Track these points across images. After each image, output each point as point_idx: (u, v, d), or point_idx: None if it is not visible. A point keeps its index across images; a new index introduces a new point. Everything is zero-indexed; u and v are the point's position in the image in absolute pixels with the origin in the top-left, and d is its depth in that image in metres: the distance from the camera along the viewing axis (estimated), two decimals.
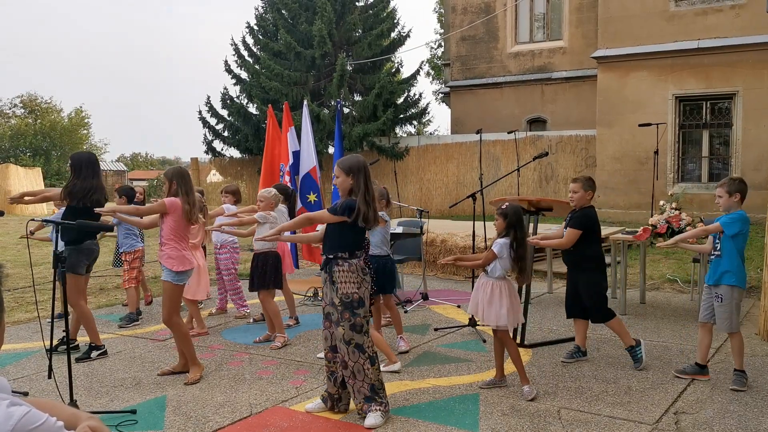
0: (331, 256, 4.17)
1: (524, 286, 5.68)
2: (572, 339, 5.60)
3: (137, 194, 7.69)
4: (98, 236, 6.41)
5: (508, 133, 13.59)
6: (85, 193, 5.52)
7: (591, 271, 5.25)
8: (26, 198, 5.88)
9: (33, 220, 5.06)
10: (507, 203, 4.73)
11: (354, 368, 4.13)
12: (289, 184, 8.86)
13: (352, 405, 4.35)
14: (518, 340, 5.60)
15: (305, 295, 8.10)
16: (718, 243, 4.76)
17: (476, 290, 4.75)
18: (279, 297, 7.49)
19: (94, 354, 5.66)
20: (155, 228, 5.39)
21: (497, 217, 4.68)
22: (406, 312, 7.21)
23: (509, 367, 5.00)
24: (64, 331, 5.34)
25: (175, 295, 5.06)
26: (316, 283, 8.44)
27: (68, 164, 5.79)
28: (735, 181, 4.78)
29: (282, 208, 6.46)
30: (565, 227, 5.31)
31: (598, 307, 5.24)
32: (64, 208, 5.81)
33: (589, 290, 5.23)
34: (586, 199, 5.26)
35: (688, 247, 5.48)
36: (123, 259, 7.23)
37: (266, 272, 6.00)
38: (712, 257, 4.81)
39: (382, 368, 5.01)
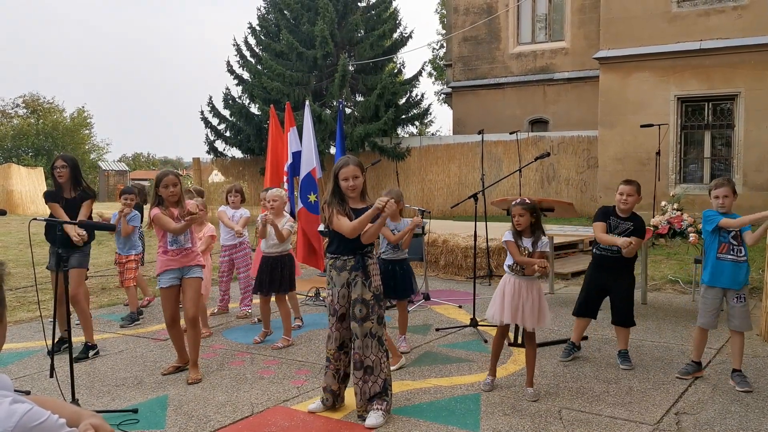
0: (363, 251, 4.20)
1: None
2: None
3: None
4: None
5: (510, 133, 13.60)
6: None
7: (632, 275, 5.32)
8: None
9: (35, 219, 5.06)
10: (521, 199, 4.65)
11: (374, 362, 4.13)
12: (286, 185, 8.85)
13: (350, 401, 4.36)
14: (519, 341, 5.60)
15: (306, 295, 8.10)
16: (742, 248, 4.67)
17: (512, 294, 4.50)
18: None
19: (91, 353, 5.70)
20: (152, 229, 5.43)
21: (522, 212, 4.48)
22: (407, 312, 7.21)
23: (510, 367, 5.01)
24: (65, 330, 5.36)
25: (200, 291, 5.29)
26: (316, 284, 8.45)
27: (67, 166, 5.69)
28: (732, 182, 4.81)
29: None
30: (623, 234, 5.07)
31: (630, 311, 5.26)
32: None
33: (630, 293, 5.28)
34: (636, 204, 5.18)
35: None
36: (129, 259, 7.28)
37: (285, 275, 6.09)
38: (729, 258, 4.67)
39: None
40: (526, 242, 4.51)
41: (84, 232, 5.41)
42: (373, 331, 4.14)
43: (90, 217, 5.83)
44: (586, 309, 5.39)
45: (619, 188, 5.20)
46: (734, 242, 4.67)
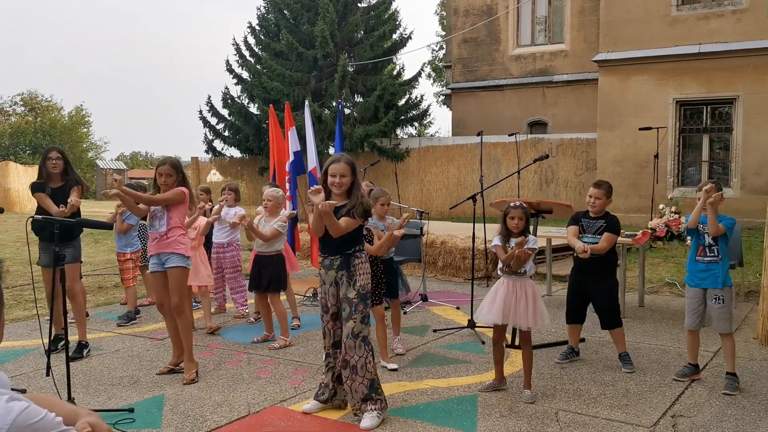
0: (350, 251, 4.21)
1: None
2: None
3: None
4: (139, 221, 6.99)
5: (509, 135, 13.60)
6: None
7: (612, 277, 5.32)
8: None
9: (33, 217, 5.05)
10: (520, 203, 4.67)
11: (358, 363, 4.14)
12: (288, 184, 8.85)
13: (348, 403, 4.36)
14: (516, 342, 5.60)
15: (304, 295, 8.10)
16: (715, 247, 4.75)
17: (506, 294, 4.52)
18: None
19: (84, 352, 5.70)
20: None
21: (521, 215, 4.53)
22: (405, 313, 7.21)
23: (507, 369, 5.01)
24: (62, 328, 5.34)
25: (185, 280, 5.17)
26: (315, 284, 8.44)
27: (62, 158, 5.76)
28: (713, 182, 4.88)
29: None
30: (596, 232, 5.19)
31: (614, 313, 5.27)
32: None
33: (611, 296, 5.28)
34: (606, 206, 5.27)
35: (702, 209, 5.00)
36: (125, 257, 7.26)
37: (274, 274, 6.06)
38: (706, 261, 4.77)
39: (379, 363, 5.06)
40: (513, 242, 4.54)
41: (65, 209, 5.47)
42: (356, 331, 4.15)
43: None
44: (575, 316, 5.49)
45: (589, 191, 5.35)
46: (712, 242, 4.76)
